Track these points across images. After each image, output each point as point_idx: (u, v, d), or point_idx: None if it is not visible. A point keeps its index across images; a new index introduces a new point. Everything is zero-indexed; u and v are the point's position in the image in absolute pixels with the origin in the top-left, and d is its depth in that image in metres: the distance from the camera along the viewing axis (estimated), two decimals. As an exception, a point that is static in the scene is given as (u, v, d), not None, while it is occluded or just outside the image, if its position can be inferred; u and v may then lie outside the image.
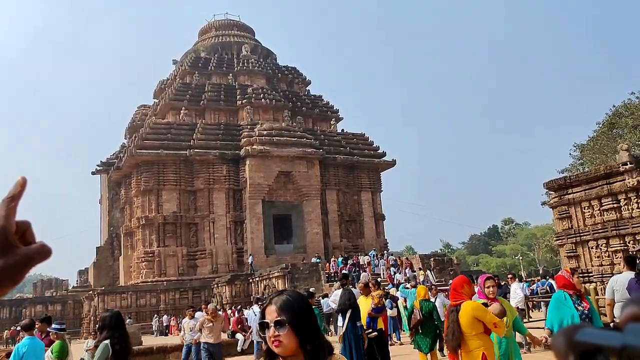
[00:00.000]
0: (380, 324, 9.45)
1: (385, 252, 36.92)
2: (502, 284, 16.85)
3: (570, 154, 39.13)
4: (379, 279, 16.93)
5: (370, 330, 9.17)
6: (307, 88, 49.46)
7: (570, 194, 12.68)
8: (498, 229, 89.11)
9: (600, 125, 36.52)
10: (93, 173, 48.67)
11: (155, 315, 31.35)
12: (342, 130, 46.21)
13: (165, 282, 34.63)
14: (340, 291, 10.05)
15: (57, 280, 53.02)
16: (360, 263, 31.02)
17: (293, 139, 39.36)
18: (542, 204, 43.49)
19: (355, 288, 11.47)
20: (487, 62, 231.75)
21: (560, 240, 12.89)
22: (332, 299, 11.13)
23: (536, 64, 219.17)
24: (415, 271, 28.38)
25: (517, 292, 13.45)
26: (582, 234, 12.28)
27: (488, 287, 5.46)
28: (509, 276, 14.91)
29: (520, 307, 13.00)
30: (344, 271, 24.57)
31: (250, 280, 32.64)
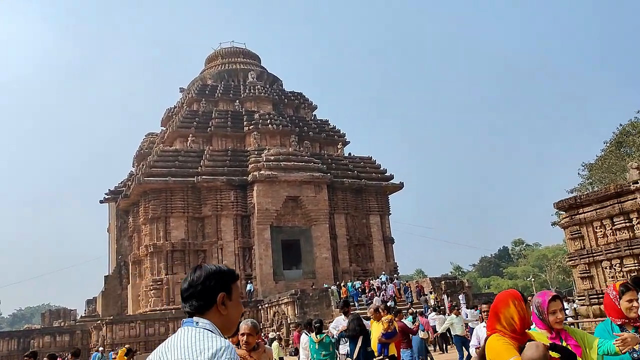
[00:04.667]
0: (392, 350, 9.26)
1: (394, 275, 36.63)
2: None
3: (579, 173, 39.01)
4: (389, 304, 16.71)
5: (382, 356, 8.98)
6: (314, 113, 49.77)
7: (581, 213, 12.53)
8: (509, 251, 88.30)
9: (608, 144, 36.43)
10: (101, 201, 48.82)
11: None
12: (349, 154, 46.29)
13: (174, 310, 34.34)
14: (341, 317, 9.92)
15: (65, 310, 52.76)
16: (375, 287, 30.87)
17: (300, 163, 39.42)
18: (552, 224, 43.14)
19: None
20: (492, 80, 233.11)
21: (573, 261, 12.70)
22: (333, 325, 10.91)
23: (542, 81, 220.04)
24: (426, 295, 28.09)
25: None
26: (595, 254, 12.08)
27: (554, 313, 3.34)
28: (529, 298, 14.63)
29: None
30: (343, 299, 24.25)
31: (260, 307, 32.35)
